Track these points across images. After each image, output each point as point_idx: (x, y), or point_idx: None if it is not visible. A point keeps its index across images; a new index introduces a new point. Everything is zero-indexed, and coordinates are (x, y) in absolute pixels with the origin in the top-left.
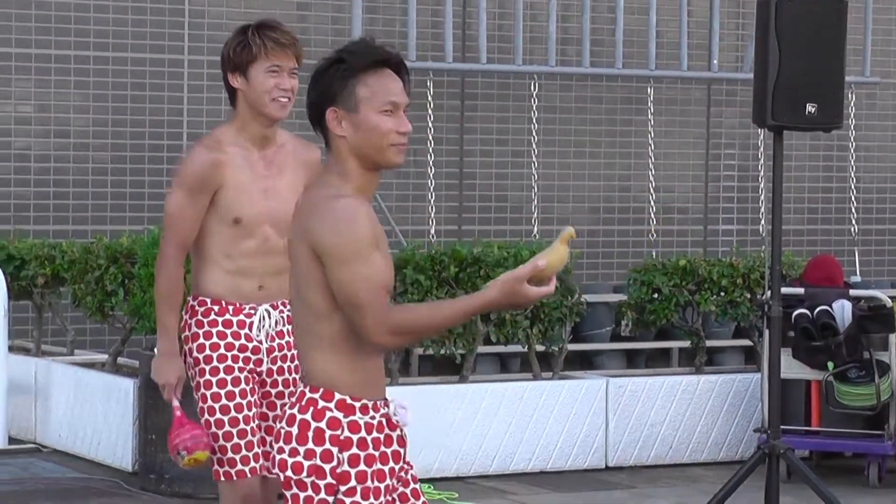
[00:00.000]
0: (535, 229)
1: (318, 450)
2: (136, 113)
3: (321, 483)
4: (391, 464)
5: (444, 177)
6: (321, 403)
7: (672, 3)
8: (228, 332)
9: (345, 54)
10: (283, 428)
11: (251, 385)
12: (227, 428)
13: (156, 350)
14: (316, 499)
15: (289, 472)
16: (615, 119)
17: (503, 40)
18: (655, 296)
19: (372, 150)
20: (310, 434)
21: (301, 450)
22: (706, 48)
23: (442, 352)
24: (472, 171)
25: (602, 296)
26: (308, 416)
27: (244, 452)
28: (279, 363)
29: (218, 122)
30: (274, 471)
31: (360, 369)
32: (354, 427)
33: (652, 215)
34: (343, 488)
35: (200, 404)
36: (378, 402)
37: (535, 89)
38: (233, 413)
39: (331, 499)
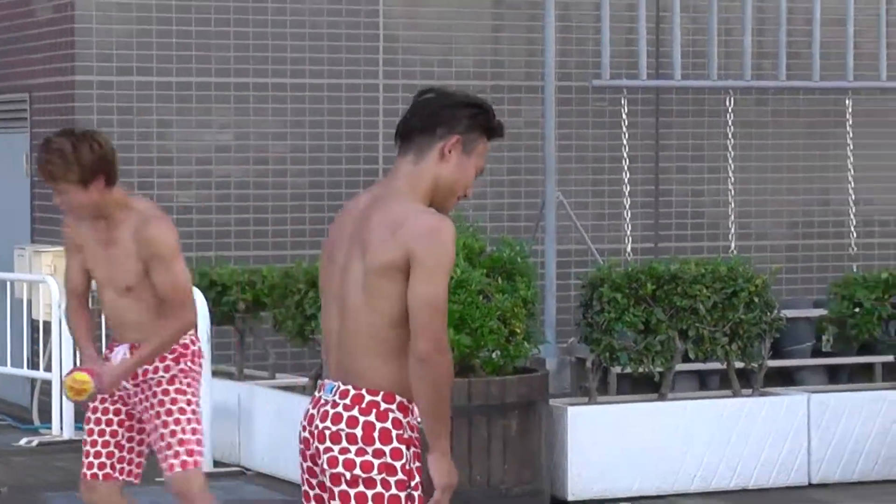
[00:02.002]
0: (733, 245)
1: (387, 448)
2: (332, 138)
3: (392, 479)
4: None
5: (640, 194)
6: (383, 405)
7: (870, 12)
8: None
9: (490, 111)
10: (341, 430)
11: (116, 405)
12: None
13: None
14: (387, 495)
15: (357, 471)
16: (813, 132)
17: (697, 56)
18: (857, 310)
19: (448, 190)
20: (375, 434)
21: (369, 449)
22: None
23: (640, 370)
24: (668, 187)
25: (802, 311)
26: (372, 418)
27: None
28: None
29: None
30: (335, 470)
31: (407, 375)
32: (411, 427)
33: (852, 229)
34: (412, 483)
35: None
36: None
37: (730, 104)
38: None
39: (402, 494)
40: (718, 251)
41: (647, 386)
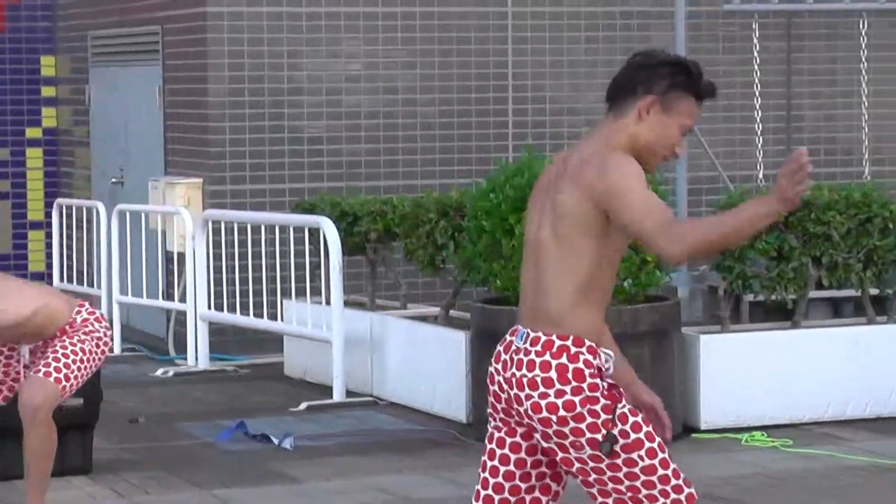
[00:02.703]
0: (867, 171)
1: (584, 384)
2: (461, 67)
3: (597, 407)
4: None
5: (772, 120)
6: (573, 349)
7: None
8: None
9: (693, 70)
10: (536, 376)
11: None
12: None
13: None
14: (599, 422)
15: (561, 412)
16: None
17: None
18: None
19: (650, 148)
20: (569, 375)
21: (566, 389)
22: None
23: (773, 297)
24: (799, 113)
25: None
26: (564, 360)
27: None
28: None
29: (541, 72)
30: (541, 415)
31: (600, 322)
32: (599, 367)
33: None
34: (618, 404)
35: None
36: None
37: (864, 27)
38: None
39: (611, 416)
40: (852, 177)
41: (779, 314)
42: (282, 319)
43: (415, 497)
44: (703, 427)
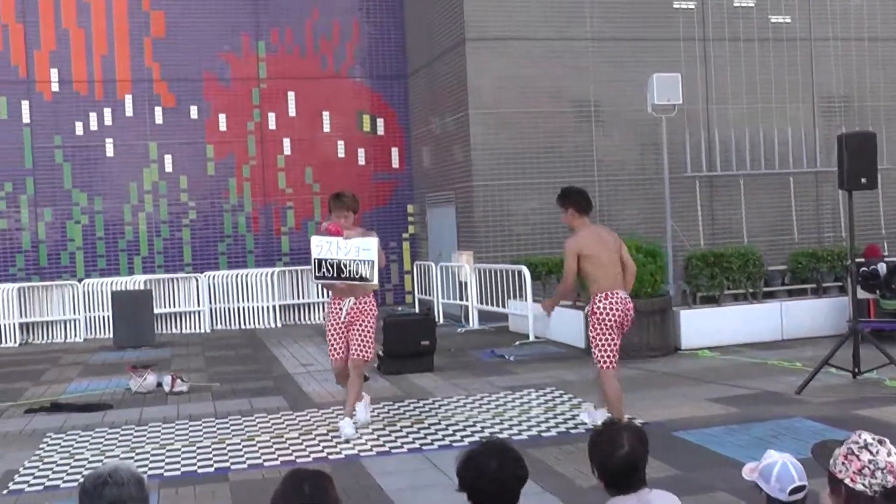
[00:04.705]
0: (745, 239)
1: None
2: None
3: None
4: None
5: (689, 215)
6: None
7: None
8: None
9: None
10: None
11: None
12: None
13: None
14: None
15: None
16: (775, 200)
17: (726, 158)
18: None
19: None
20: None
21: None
22: None
23: (709, 294)
24: (721, 210)
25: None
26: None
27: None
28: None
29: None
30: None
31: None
32: None
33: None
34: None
35: None
36: None
37: (742, 182)
38: None
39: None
40: (730, 243)
41: (712, 301)
42: (507, 307)
43: (565, 378)
44: (682, 348)
